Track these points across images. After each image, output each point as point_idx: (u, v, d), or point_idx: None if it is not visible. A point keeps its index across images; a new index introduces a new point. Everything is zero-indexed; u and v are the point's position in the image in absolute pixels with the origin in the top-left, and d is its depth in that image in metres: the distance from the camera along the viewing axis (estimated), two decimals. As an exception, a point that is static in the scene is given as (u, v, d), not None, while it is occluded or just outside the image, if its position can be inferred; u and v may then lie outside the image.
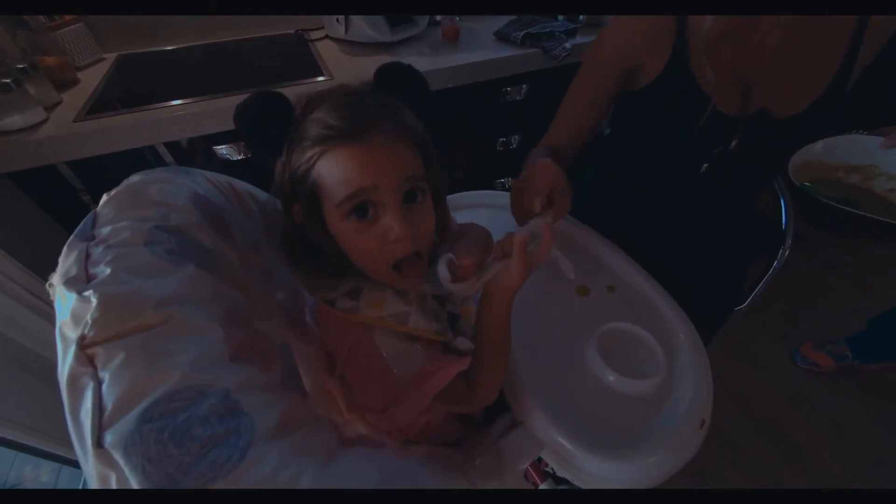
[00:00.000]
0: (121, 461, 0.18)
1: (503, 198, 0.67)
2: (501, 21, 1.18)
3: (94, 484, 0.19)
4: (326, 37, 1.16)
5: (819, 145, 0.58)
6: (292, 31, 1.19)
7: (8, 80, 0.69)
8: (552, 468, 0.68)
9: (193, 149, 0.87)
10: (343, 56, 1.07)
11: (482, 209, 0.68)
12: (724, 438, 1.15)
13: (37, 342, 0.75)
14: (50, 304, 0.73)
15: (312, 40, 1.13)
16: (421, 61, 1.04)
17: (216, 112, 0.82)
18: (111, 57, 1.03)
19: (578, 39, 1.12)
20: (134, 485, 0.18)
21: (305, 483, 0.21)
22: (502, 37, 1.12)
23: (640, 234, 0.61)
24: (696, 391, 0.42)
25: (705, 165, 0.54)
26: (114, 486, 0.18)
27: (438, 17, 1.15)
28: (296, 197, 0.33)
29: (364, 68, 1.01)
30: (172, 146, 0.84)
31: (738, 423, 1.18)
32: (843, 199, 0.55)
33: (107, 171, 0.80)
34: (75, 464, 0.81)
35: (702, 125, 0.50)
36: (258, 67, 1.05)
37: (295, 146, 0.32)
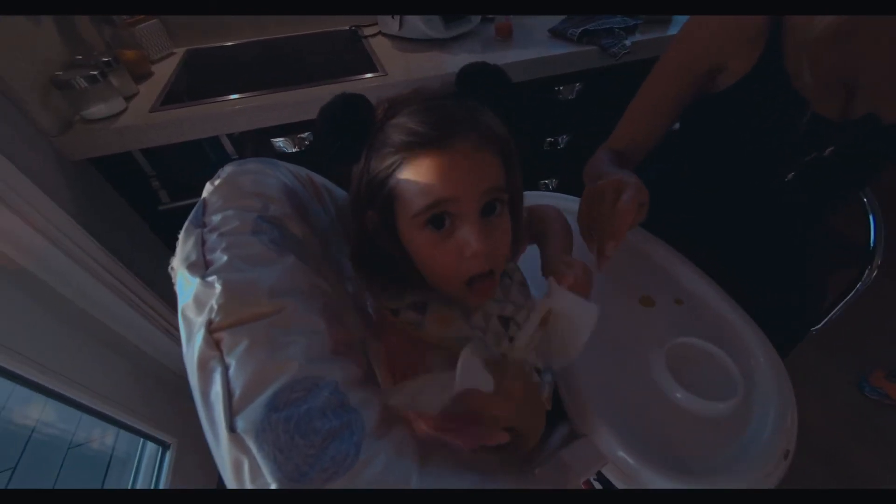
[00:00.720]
0: (253, 448, 0.18)
1: (569, 202, 0.65)
2: (557, 17, 1.15)
3: (225, 468, 0.19)
4: (380, 33, 1.17)
5: None
6: (346, 28, 1.21)
7: (95, 73, 0.74)
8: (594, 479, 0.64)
9: (252, 140, 0.90)
10: (396, 53, 1.08)
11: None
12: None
13: (110, 317, 0.81)
14: (125, 283, 0.78)
15: (366, 36, 1.15)
16: (473, 58, 1.03)
17: (275, 106, 0.85)
18: (180, 52, 1.09)
19: (638, 37, 1.08)
20: (265, 473, 0.18)
21: (413, 485, 0.21)
22: (558, 34, 1.09)
23: (707, 236, 0.58)
24: (779, 418, 0.39)
25: (792, 174, 0.50)
26: (245, 472, 0.18)
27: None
28: (371, 203, 0.32)
29: (417, 65, 1.01)
30: (231, 137, 0.88)
31: (797, 452, 1.10)
32: None
33: (170, 158, 0.85)
34: (133, 430, 0.86)
35: (798, 130, 0.46)
36: (314, 63, 1.08)
37: (375, 152, 0.31)
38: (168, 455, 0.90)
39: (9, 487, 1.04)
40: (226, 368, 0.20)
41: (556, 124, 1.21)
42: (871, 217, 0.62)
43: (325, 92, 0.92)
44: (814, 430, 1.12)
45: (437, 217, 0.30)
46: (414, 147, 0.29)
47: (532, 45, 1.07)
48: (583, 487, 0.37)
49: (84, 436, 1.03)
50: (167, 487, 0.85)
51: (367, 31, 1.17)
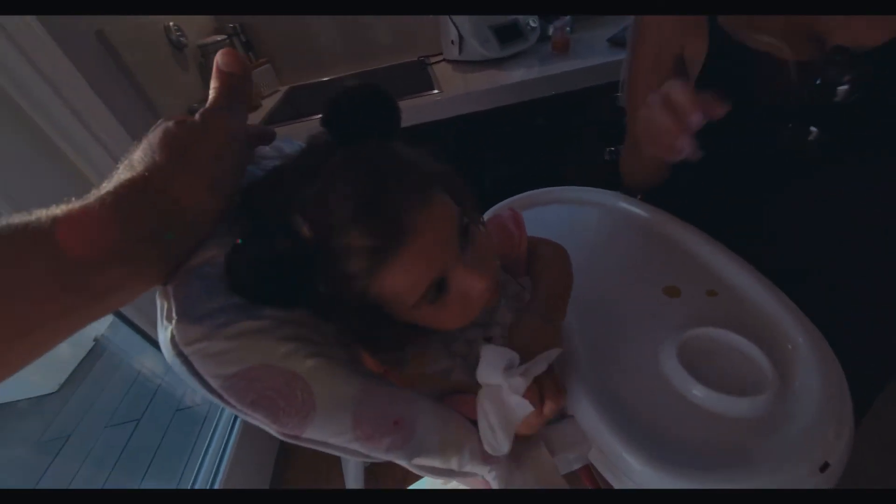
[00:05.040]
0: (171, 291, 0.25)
1: (578, 192, 0.65)
2: (616, 27, 1.14)
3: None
4: (444, 60, 1.29)
5: None
6: (415, 59, 1.36)
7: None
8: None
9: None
10: (456, 74, 1.17)
11: (555, 205, 0.65)
12: None
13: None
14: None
15: (431, 64, 1.28)
16: (530, 72, 1.07)
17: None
18: (284, 88, 1.35)
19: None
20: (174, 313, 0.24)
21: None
22: (617, 42, 1.08)
23: (753, 233, 0.50)
24: (819, 421, 0.32)
25: (815, 131, 0.42)
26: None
27: (550, 31, 1.17)
28: (350, 323, 0.29)
29: (473, 82, 1.09)
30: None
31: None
32: None
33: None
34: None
35: (790, 80, 0.40)
36: (387, 86, 1.23)
37: (328, 280, 0.27)
38: (239, 419, 1.04)
39: (130, 438, 1.30)
40: None
41: (621, 132, 1.15)
42: None
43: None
44: None
45: (438, 287, 0.28)
46: (378, 263, 0.26)
47: (591, 55, 1.08)
48: (549, 458, 0.34)
49: (180, 391, 1.25)
50: (236, 442, 0.98)
51: (432, 60, 1.30)
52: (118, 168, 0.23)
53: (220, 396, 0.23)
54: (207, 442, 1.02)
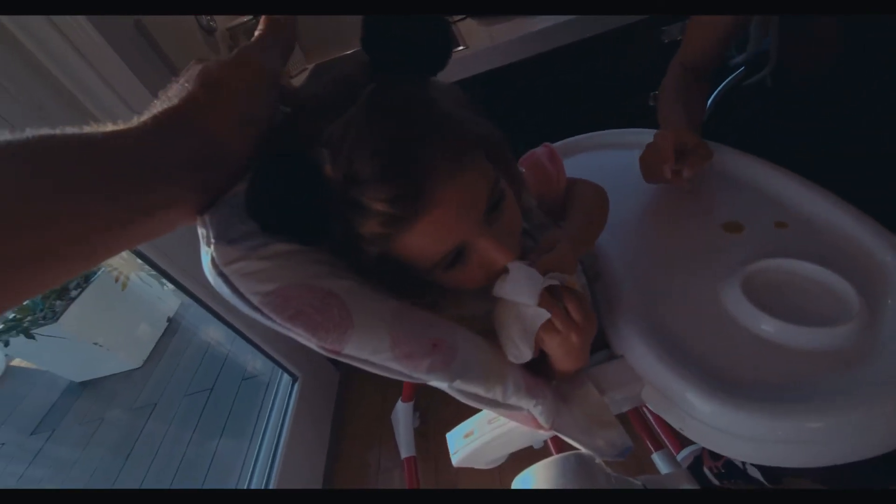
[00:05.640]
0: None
1: (624, 135, 0.60)
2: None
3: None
4: (468, 16, 1.22)
5: None
6: (439, 19, 1.30)
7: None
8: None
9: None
10: (480, 28, 1.12)
11: (608, 149, 0.61)
12: None
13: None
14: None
15: (455, 22, 1.22)
16: (558, 16, 0.99)
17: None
18: (311, 66, 1.35)
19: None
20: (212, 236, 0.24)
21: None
22: (660, -32, 0.96)
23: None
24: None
25: None
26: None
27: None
28: (368, 268, 0.28)
29: (500, 33, 1.03)
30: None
31: None
32: None
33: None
34: (274, 360, 1.10)
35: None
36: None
37: (351, 219, 0.25)
38: (296, 385, 1.11)
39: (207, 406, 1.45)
40: None
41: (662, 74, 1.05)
42: None
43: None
44: None
45: (458, 255, 0.28)
46: (398, 226, 0.25)
47: (629, -10, 0.97)
48: (598, 395, 0.33)
49: (251, 364, 1.37)
50: (294, 410, 1.06)
51: (456, 18, 1.24)
52: (156, 102, 0.24)
53: (260, 312, 0.24)
54: (270, 406, 1.11)
